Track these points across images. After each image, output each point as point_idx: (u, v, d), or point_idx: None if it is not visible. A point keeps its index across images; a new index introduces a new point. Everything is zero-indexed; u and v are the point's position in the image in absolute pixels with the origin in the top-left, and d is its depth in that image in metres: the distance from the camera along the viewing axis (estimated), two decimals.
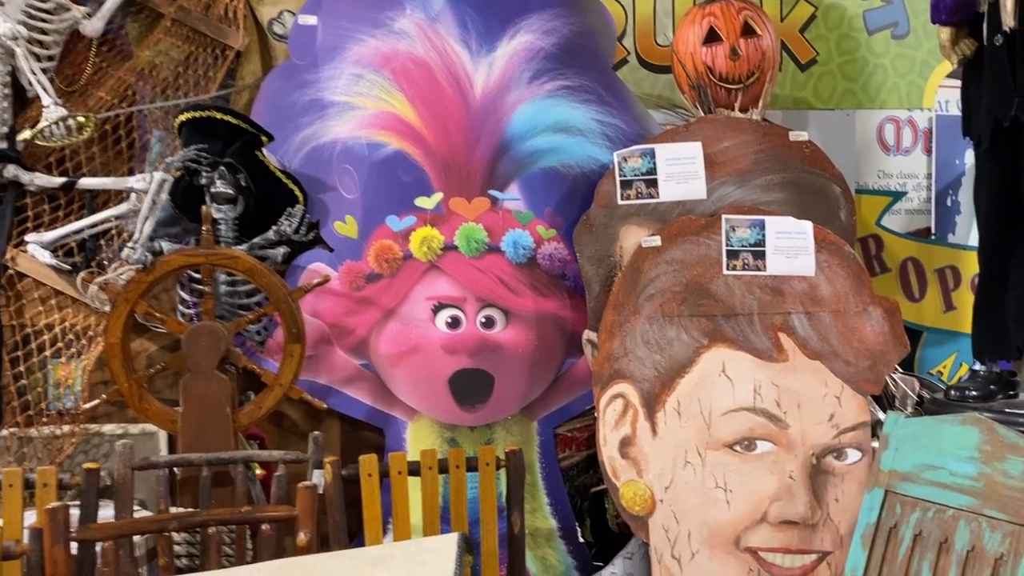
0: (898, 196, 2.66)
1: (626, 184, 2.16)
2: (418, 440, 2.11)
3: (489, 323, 2.17)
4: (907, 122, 2.85)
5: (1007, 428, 1.71)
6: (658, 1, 2.68)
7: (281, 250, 1.99)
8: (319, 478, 1.69)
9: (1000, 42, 1.92)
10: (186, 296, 1.99)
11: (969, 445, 1.74)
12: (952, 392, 1.99)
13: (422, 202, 2.16)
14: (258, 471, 1.87)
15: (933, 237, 2.78)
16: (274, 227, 1.94)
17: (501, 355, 2.15)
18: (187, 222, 2.02)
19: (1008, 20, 1.90)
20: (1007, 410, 1.89)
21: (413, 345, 2.12)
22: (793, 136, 2.18)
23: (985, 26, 1.97)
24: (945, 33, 2.04)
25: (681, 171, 2.17)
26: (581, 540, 2.16)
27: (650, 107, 2.53)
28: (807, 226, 2.12)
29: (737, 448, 2.01)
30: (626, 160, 2.17)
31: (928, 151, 2.83)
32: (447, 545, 0.88)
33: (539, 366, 2.18)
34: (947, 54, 2.06)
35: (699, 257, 2.11)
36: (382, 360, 2.13)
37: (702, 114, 2.25)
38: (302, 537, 1.36)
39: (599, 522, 2.18)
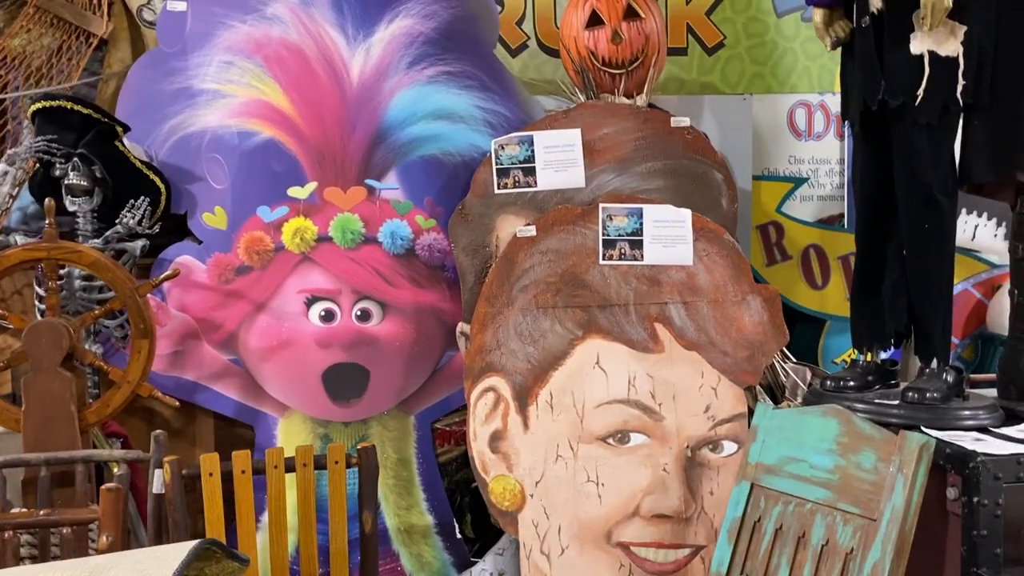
0: (799, 182, 2.62)
1: (503, 172, 2.12)
2: (289, 437, 2.07)
3: (365, 316, 2.12)
4: (819, 106, 2.81)
5: (864, 419, 1.67)
6: None
7: (139, 243, 1.94)
8: (159, 478, 1.64)
9: (867, 24, 1.87)
10: (42, 292, 1.93)
11: (828, 437, 1.70)
12: (828, 383, 1.95)
13: (295, 192, 2.11)
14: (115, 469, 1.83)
15: (845, 224, 2.74)
16: (117, 221, 1.88)
17: (377, 349, 2.11)
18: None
19: (874, 2, 1.86)
20: (877, 401, 1.85)
21: (285, 339, 2.07)
22: (675, 122, 2.14)
23: (854, 9, 1.92)
24: (819, 15, 1.98)
25: (560, 159, 2.12)
26: (459, 536, 2.12)
27: (552, 93, 2.48)
28: (686, 214, 2.08)
29: (610, 441, 1.97)
30: (503, 148, 2.12)
31: (841, 136, 2.79)
32: (177, 553, 0.83)
33: (417, 359, 2.13)
34: (821, 36, 2.00)
35: (575, 247, 2.07)
36: (252, 355, 2.08)
37: (585, 100, 2.20)
38: (104, 540, 1.32)
39: (480, 517, 2.14)
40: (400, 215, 2.15)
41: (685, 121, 2.13)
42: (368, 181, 2.15)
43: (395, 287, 2.13)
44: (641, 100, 2.24)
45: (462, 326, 2.07)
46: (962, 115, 1.87)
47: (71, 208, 1.91)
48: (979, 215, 2.59)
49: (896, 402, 1.82)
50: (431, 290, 2.16)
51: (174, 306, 2.04)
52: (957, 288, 2.66)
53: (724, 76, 2.78)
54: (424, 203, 2.18)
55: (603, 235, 2.06)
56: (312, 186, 2.12)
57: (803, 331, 2.62)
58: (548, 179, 2.12)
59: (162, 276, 1.88)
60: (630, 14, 2.21)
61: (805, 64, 2.80)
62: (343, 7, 2.17)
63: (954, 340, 2.68)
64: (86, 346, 1.88)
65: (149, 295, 1.86)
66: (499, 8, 2.59)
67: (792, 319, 2.59)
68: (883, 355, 2.01)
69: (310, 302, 2.10)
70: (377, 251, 2.13)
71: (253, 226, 2.09)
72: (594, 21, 2.22)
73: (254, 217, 2.10)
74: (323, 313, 2.10)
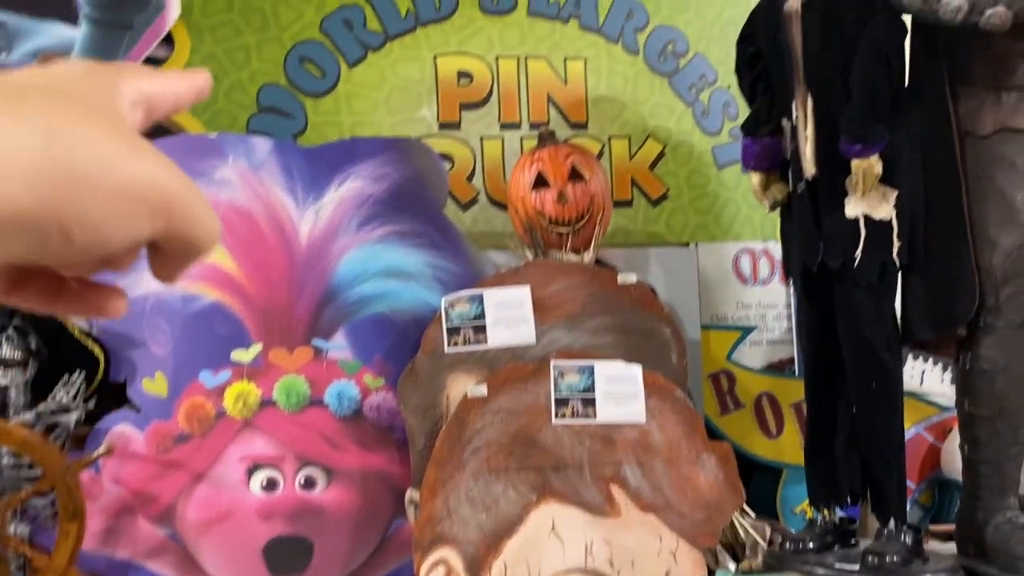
0: (747, 331, 2.65)
1: (453, 330, 2.10)
2: None
3: (309, 483, 2.04)
4: (763, 253, 2.88)
5: None
6: (506, 142, 2.71)
7: (73, 416, 1.86)
8: None
9: (803, 189, 1.94)
10: None
11: None
12: (788, 544, 1.91)
13: (239, 355, 2.06)
14: None
15: (794, 368, 2.76)
16: (51, 395, 1.81)
17: (322, 518, 2.02)
18: None
19: (808, 168, 1.93)
20: (838, 565, 1.82)
21: (224, 511, 1.98)
22: (622, 278, 2.16)
23: (790, 173, 2.00)
24: (756, 178, 2.07)
25: (510, 316, 2.12)
26: None
27: (501, 246, 2.51)
28: (636, 370, 2.07)
29: None
30: (453, 306, 2.11)
31: (786, 281, 2.85)
32: None
33: (363, 530, 2.04)
34: (759, 198, 2.08)
35: (527, 406, 2.04)
36: (190, 529, 1.97)
37: (531, 257, 2.22)
38: None
39: None
40: (348, 375, 2.11)
41: (632, 277, 2.16)
42: (315, 341, 2.11)
43: (341, 451, 2.07)
44: (588, 256, 2.27)
45: (411, 493, 2.00)
46: (900, 275, 1.93)
47: (2, 382, 1.83)
48: (925, 360, 2.63)
49: (857, 567, 1.79)
50: (379, 453, 2.10)
51: (109, 479, 1.94)
52: (909, 433, 2.67)
53: (669, 226, 2.85)
54: (373, 362, 2.14)
55: (555, 393, 2.04)
56: (257, 348, 2.07)
57: (760, 481, 2.59)
58: (499, 337, 2.10)
59: (95, 453, 1.80)
60: (575, 176, 2.27)
61: (747, 213, 2.89)
62: (293, 171, 2.19)
63: (911, 485, 2.66)
64: (12, 528, 1.77)
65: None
66: (449, 166, 2.65)
67: (749, 469, 2.57)
68: (840, 513, 1.98)
69: (252, 470, 2.02)
70: (323, 414, 2.07)
71: (194, 392, 2.03)
72: (540, 182, 2.28)
73: (196, 382, 2.04)
74: (265, 482, 2.01)
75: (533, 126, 2.71)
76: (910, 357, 2.63)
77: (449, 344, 2.09)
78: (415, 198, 2.25)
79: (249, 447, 2.02)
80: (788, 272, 2.07)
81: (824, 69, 1.90)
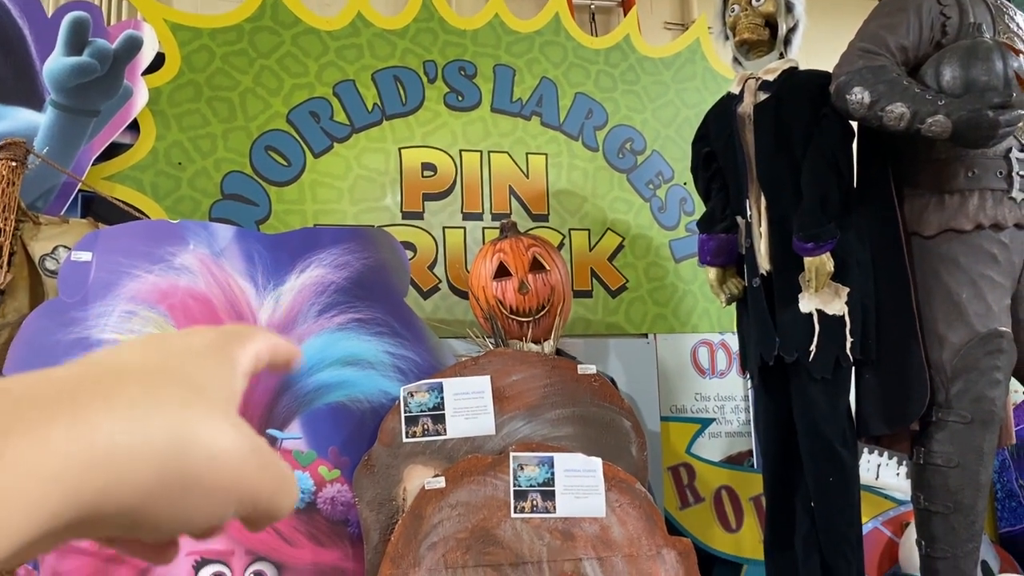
0: (706, 423, 2.66)
1: (412, 420, 2.08)
2: None
3: None
4: (720, 345, 2.92)
5: None
6: (468, 232, 2.75)
7: None
8: None
9: (758, 284, 1.99)
10: None
11: None
12: None
13: None
14: None
15: (753, 461, 2.77)
16: None
17: None
18: None
19: (763, 264, 1.98)
20: None
21: None
22: (582, 369, 2.17)
23: (745, 268, 2.04)
24: (712, 273, 2.11)
25: (469, 406, 2.10)
26: None
27: (461, 335, 2.51)
28: (597, 463, 2.06)
29: None
30: (412, 395, 2.09)
31: (743, 374, 2.88)
32: None
33: None
34: (716, 293, 2.12)
35: (486, 499, 2.00)
36: None
37: (492, 346, 2.22)
38: None
39: None
40: (302, 466, 2.06)
41: (592, 369, 2.17)
42: (270, 431, 2.07)
43: (293, 546, 2.00)
44: (548, 346, 2.28)
45: None
46: (854, 370, 1.96)
47: None
48: (880, 454, 2.65)
49: None
50: (332, 548, 2.03)
51: (48, 574, 1.85)
52: (867, 527, 2.68)
53: (628, 317, 2.88)
54: (328, 452, 2.10)
55: (514, 486, 2.01)
56: None
57: (721, 575, 2.55)
58: (458, 427, 2.08)
59: None
60: (536, 266, 2.30)
61: (705, 305, 2.94)
62: (254, 257, 2.19)
63: None
64: None
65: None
66: (411, 254, 2.67)
67: (709, 563, 2.54)
68: None
69: (199, 565, 1.94)
70: None
71: None
72: (501, 272, 2.30)
73: None
74: None
75: (495, 216, 2.76)
76: (865, 451, 2.66)
77: (407, 434, 2.06)
78: (376, 286, 2.25)
79: (197, 541, 1.94)
80: (745, 365, 2.10)
81: (776, 170, 1.97)
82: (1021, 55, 1.80)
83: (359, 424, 2.14)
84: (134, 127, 2.51)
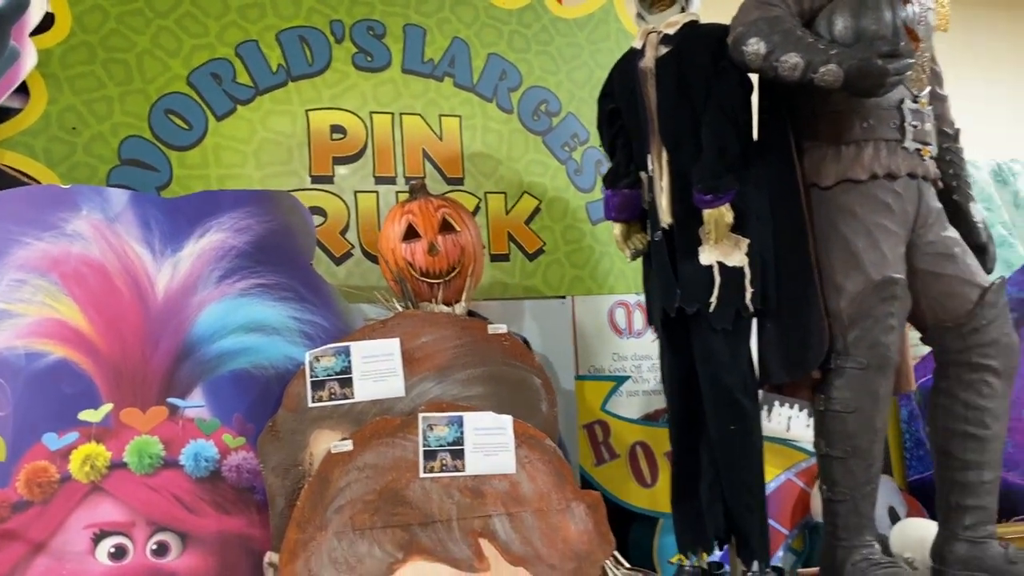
0: (621, 380, 2.68)
1: (318, 385, 2.04)
2: None
3: (162, 550, 1.92)
4: (637, 305, 2.93)
5: None
6: (380, 196, 2.70)
7: None
8: None
9: (660, 238, 2.00)
10: None
11: None
12: None
13: (87, 415, 1.94)
14: None
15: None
16: None
17: None
18: None
19: (664, 218, 1.99)
20: None
21: None
22: (492, 329, 2.15)
23: (648, 223, 2.05)
24: (617, 228, 2.12)
25: (378, 369, 2.07)
26: None
27: (374, 301, 2.47)
28: (507, 421, 2.05)
29: None
30: (318, 359, 2.06)
31: (650, 327, 2.90)
32: None
33: None
34: (621, 247, 2.13)
35: (394, 460, 1.98)
36: None
37: (400, 308, 2.19)
38: None
39: None
40: (205, 434, 2.02)
41: (502, 328, 2.15)
42: (171, 400, 2.02)
43: (197, 515, 1.96)
44: (460, 308, 2.26)
45: (270, 556, 1.90)
46: (756, 321, 1.98)
47: None
48: (791, 407, 2.71)
49: None
50: (238, 516, 2.00)
51: None
52: (780, 478, 2.74)
53: (546, 280, 2.88)
54: (233, 420, 2.05)
55: (424, 446, 1.99)
56: (107, 408, 1.96)
57: (637, 530, 2.59)
58: (366, 390, 2.05)
59: None
60: (446, 227, 2.28)
61: (621, 267, 2.95)
62: (151, 223, 2.11)
63: (783, 531, 2.72)
64: None
65: None
66: (322, 220, 2.62)
67: (626, 519, 2.57)
68: (711, 559, 1.99)
69: (98, 538, 1.89)
70: (178, 476, 1.97)
71: (37, 455, 1.90)
72: (411, 234, 2.27)
73: (38, 445, 1.90)
74: (113, 550, 1.89)
75: (409, 180, 2.71)
76: (776, 403, 2.71)
77: (313, 399, 2.03)
78: (280, 250, 2.20)
79: (96, 513, 1.89)
80: (651, 319, 2.11)
81: (677, 124, 1.98)
82: (910, 4, 1.83)
83: (264, 390, 2.10)
84: (23, 90, 2.39)
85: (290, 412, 2.02)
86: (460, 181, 2.81)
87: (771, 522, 2.53)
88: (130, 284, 2.06)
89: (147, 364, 2.02)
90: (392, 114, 2.75)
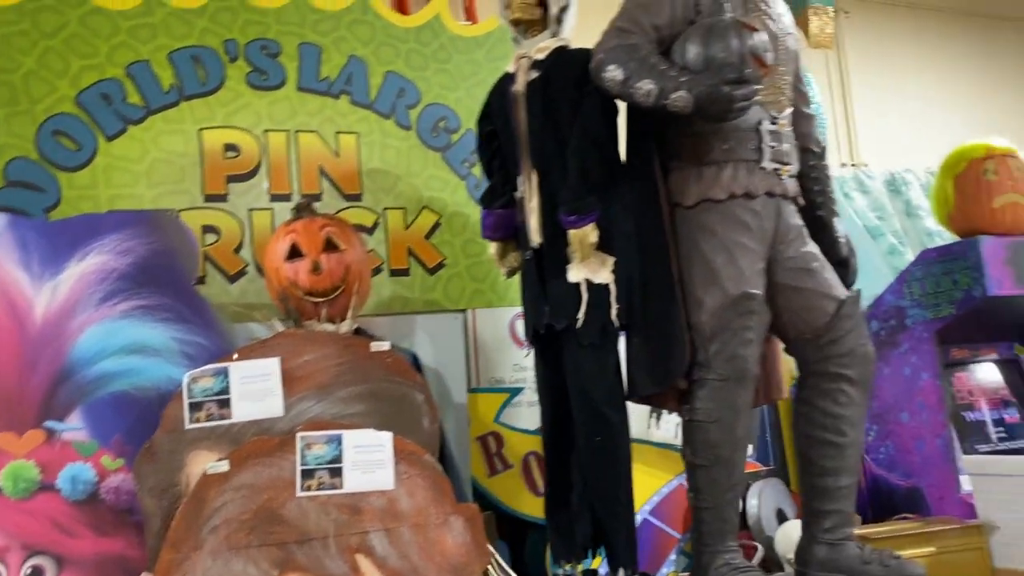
0: (514, 392, 2.73)
1: (196, 406, 2.06)
2: None
3: (36, 574, 1.92)
4: None
5: None
6: (276, 214, 2.72)
7: None
8: None
9: (530, 257, 2.06)
10: None
11: None
12: None
13: None
14: None
15: None
16: None
17: None
18: None
19: (534, 238, 2.05)
20: None
21: None
22: (375, 347, 2.19)
23: (519, 242, 2.11)
24: (493, 247, 2.18)
25: (257, 389, 2.10)
26: None
27: (268, 318, 2.49)
28: (386, 437, 2.09)
29: None
30: (196, 380, 2.07)
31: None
32: None
33: None
34: (498, 266, 2.18)
35: (271, 480, 2.01)
36: None
37: (281, 328, 2.22)
38: None
39: None
40: (83, 457, 2.02)
41: (385, 345, 2.19)
42: (48, 423, 2.02)
43: (74, 537, 1.97)
44: (346, 326, 2.30)
45: None
46: (625, 335, 2.05)
47: None
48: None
49: None
50: (116, 538, 2.01)
51: None
52: (672, 484, 2.82)
53: (446, 293, 2.92)
54: (111, 442, 2.07)
55: (301, 465, 2.02)
56: None
57: (533, 539, 2.64)
58: (245, 410, 2.07)
59: None
60: (330, 246, 2.31)
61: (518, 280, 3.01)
62: (29, 246, 2.12)
63: (675, 535, 2.79)
64: None
65: None
66: (215, 238, 2.64)
67: (522, 528, 2.63)
68: (587, 565, 2.05)
69: None
70: (55, 499, 1.97)
71: None
72: (294, 254, 2.30)
73: None
74: None
75: (305, 197, 2.74)
76: (665, 412, 2.79)
77: (191, 420, 2.04)
78: (162, 272, 2.22)
79: None
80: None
81: (545, 148, 2.04)
82: (756, 33, 1.91)
83: (145, 412, 2.11)
84: None
85: (167, 433, 2.04)
86: (358, 197, 2.84)
87: (663, 526, 2.62)
88: (6, 307, 2.07)
89: (24, 388, 2.03)
90: (287, 132, 2.77)
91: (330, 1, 2.87)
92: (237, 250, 2.67)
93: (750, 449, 2.92)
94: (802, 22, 3.05)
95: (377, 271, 2.80)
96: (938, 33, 5.06)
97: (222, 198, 2.68)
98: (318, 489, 2.03)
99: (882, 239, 3.50)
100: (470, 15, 3.53)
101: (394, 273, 2.84)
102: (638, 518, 2.64)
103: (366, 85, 2.89)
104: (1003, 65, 5.17)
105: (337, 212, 2.78)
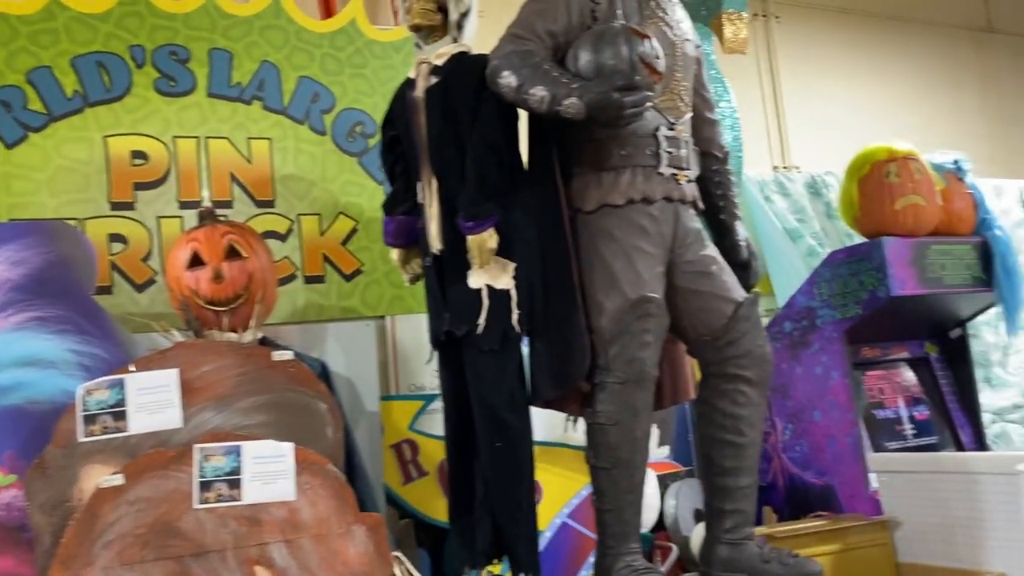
0: (429, 399, 2.72)
1: (90, 419, 2.01)
2: None
3: None
4: None
5: None
6: (185, 222, 2.68)
7: None
8: None
9: (429, 263, 2.05)
10: None
11: None
12: None
13: None
14: None
15: None
16: None
17: None
18: None
19: (434, 244, 2.05)
20: None
21: None
22: (276, 356, 2.16)
23: (420, 249, 2.11)
24: (395, 253, 2.17)
25: (154, 400, 2.06)
26: None
27: (167, 329, 2.43)
28: (287, 448, 2.07)
29: None
30: (91, 393, 2.03)
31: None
32: None
33: None
34: (400, 272, 2.17)
35: (168, 493, 1.98)
36: None
37: (180, 338, 2.19)
38: None
39: None
40: None
41: (288, 354, 2.17)
42: None
43: None
44: (249, 335, 2.27)
45: None
46: (528, 341, 2.05)
47: None
48: None
49: None
50: (7, 555, 1.96)
51: None
52: (590, 487, 2.83)
53: (364, 300, 2.91)
54: (4, 458, 2.02)
55: (199, 477, 1.99)
56: None
57: (450, 546, 2.63)
58: (141, 423, 2.04)
59: None
60: (232, 254, 2.28)
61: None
62: None
63: (595, 537, 2.81)
64: None
65: None
66: (122, 247, 2.59)
67: (440, 535, 2.62)
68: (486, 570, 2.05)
69: None
70: None
71: None
72: (195, 262, 2.27)
73: None
74: None
75: (216, 204, 2.70)
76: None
77: (85, 433, 2.00)
78: (59, 282, 2.17)
79: None
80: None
81: (445, 153, 2.04)
82: (647, 39, 1.93)
83: (39, 426, 2.05)
84: None
85: (59, 448, 1.99)
86: (271, 204, 2.81)
87: (582, 529, 2.63)
88: None
89: None
90: (197, 138, 2.73)
91: (241, 6, 2.84)
92: (145, 259, 2.63)
93: (666, 450, 2.95)
94: (716, 28, 3.09)
95: (291, 279, 2.78)
96: (869, 38, 5.15)
97: (129, 206, 2.63)
98: (216, 501, 2.00)
99: (801, 241, 3.56)
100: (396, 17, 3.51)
101: (309, 280, 2.82)
102: (556, 521, 2.66)
103: (279, 90, 2.86)
104: (933, 69, 5.28)
105: (249, 219, 2.75)
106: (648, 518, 2.70)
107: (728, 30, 3.04)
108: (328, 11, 3.13)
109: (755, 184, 3.68)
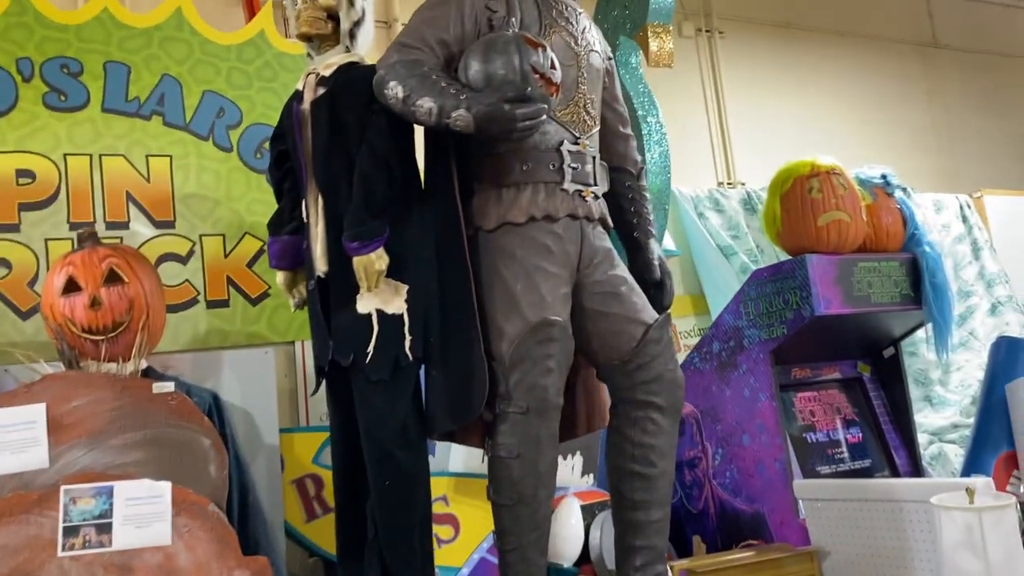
0: None
1: None
2: None
3: None
4: None
5: None
6: (75, 244, 2.51)
7: None
8: None
9: (313, 287, 1.92)
10: None
11: None
12: None
13: None
14: None
15: None
16: None
17: None
18: None
19: (319, 266, 1.92)
20: None
21: None
22: (157, 388, 2.02)
23: (305, 271, 1.97)
24: (281, 276, 2.03)
25: (17, 439, 1.91)
26: None
27: (18, 361, 2.25)
28: (165, 488, 1.91)
29: None
30: None
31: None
32: None
33: None
34: (287, 296, 2.04)
35: (28, 540, 1.81)
36: None
37: (48, 370, 2.03)
38: None
39: None
40: None
41: (168, 386, 2.02)
42: None
43: None
44: (131, 365, 2.11)
45: None
46: (425, 369, 1.92)
47: None
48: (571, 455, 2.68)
49: None
50: None
51: None
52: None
53: (272, 325, 2.76)
54: None
55: (64, 522, 1.83)
56: None
57: None
58: (2, 463, 1.88)
59: None
60: (112, 279, 2.13)
61: None
62: None
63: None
64: None
65: None
66: (5, 271, 2.43)
67: None
68: None
69: None
70: None
71: None
72: (71, 287, 2.11)
73: None
74: None
75: (110, 226, 2.55)
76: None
77: None
78: None
79: None
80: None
81: (331, 169, 1.91)
82: (540, 49, 1.82)
83: None
84: None
85: None
86: (171, 224, 2.66)
87: None
88: None
89: None
90: (90, 156, 2.58)
91: (140, 17, 2.69)
92: (31, 284, 2.46)
93: (591, 479, 2.83)
94: (642, 41, 3.00)
95: (192, 303, 2.63)
96: (814, 53, 5.12)
97: (14, 228, 2.47)
98: (83, 548, 1.84)
99: (735, 258, 3.47)
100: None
101: (211, 305, 2.67)
102: (475, 556, 2.52)
103: (181, 105, 2.71)
104: (879, 84, 5.27)
105: (148, 240, 2.60)
106: (572, 550, 2.57)
107: (653, 44, 2.96)
108: (252, 11, 2.99)
109: (689, 200, 3.60)
